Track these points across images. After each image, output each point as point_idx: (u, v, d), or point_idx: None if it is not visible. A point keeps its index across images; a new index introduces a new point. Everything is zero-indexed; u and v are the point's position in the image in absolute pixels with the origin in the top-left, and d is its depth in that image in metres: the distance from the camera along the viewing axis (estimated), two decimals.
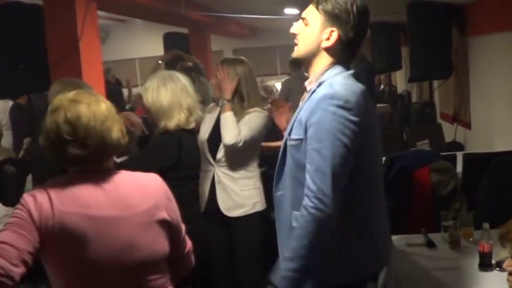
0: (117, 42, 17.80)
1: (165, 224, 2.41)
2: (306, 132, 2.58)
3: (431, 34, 7.97)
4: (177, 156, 3.73)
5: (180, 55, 6.08)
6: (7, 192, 5.78)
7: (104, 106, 2.36)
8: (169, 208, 2.46)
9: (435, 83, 10.19)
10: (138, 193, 2.38)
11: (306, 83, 2.78)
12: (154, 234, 2.37)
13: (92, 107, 2.31)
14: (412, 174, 4.77)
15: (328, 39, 2.65)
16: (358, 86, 2.63)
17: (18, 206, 2.23)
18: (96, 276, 2.26)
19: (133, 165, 3.07)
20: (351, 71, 2.71)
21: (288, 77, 11.00)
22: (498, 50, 7.27)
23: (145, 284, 2.35)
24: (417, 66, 8.33)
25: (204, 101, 4.45)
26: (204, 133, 4.36)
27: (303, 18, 2.73)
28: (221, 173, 4.23)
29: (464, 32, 8.59)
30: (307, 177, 2.52)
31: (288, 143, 2.72)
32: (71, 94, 2.36)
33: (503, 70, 7.08)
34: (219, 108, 4.33)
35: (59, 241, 2.21)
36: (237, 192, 4.20)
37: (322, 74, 2.70)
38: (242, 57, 4.45)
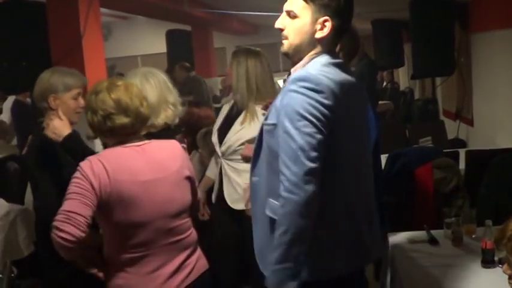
0: (120, 39, 17.77)
1: (188, 179, 3.02)
2: (279, 116, 2.53)
3: (434, 31, 7.94)
4: None
5: None
6: (10, 188, 5.80)
7: (135, 88, 2.95)
8: (189, 166, 3.08)
9: (438, 80, 10.18)
10: (169, 157, 2.97)
11: (292, 70, 2.71)
12: (183, 188, 2.98)
13: (129, 89, 2.89)
14: (415, 171, 4.77)
15: (322, 29, 2.59)
16: (338, 75, 2.57)
17: (78, 175, 2.70)
18: (144, 226, 2.80)
19: None
20: (336, 60, 2.65)
21: None
22: (501, 46, 7.27)
23: (179, 227, 2.94)
24: (420, 63, 8.30)
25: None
26: (217, 124, 4.38)
27: (288, 12, 2.64)
28: (227, 165, 4.22)
29: (467, 29, 8.59)
30: (280, 161, 2.46)
31: (264, 128, 2.69)
32: (107, 80, 2.94)
33: (506, 67, 7.08)
34: (232, 102, 4.36)
35: (114, 204, 2.72)
36: (241, 185, 4.14)
37: (309, 61, 2.64)
38: (257, 49, 4.37)
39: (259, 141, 2.75)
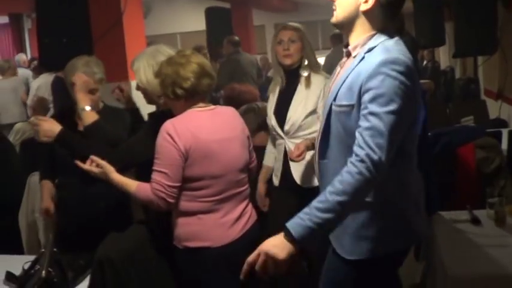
0: (159, 16, 17.84)
1: (247, 139, 3.48)
2: (359, 97, 2.52)
3: (476, 9, 7.83)
4: None
5: None
6: None
7: (197, 64, 3.23)
8: (246, 128, 3.52)
9: (479, 59, 10.04)
10: (233, 119, 3.42)
11: (350, 48, 2.70)
12: (246, 146, 3.43)
13: (200, 57, 3.30)
14: (457, 150, 4.73)
15: (366, 1, 2.59)
16: (409, 54, 2.57)
17: (165, 138, 3.10)
18: (220, 178, 3.23)
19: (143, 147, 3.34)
20: (398, 38, 2.64)
21: (329, 52, 10.95)
22: None
23: (243, 180, 3.39)
24: (461, 41, 8.19)
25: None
26: (270, 108, 4.35)
27: None
28: (292, 145, 4.14)
29: (509, 7, 8.44)
30: (359, 136, 2.46)
31: (334, 109, 2.65)
32: (191, 54, 3.30)
33: None
34: (279, 85, 4.35)
35: (195, 159, 3.14)
36: (310, 162, 4.00)
37: (368, 40, 2.63)
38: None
39: (326, 122, 2.72)
